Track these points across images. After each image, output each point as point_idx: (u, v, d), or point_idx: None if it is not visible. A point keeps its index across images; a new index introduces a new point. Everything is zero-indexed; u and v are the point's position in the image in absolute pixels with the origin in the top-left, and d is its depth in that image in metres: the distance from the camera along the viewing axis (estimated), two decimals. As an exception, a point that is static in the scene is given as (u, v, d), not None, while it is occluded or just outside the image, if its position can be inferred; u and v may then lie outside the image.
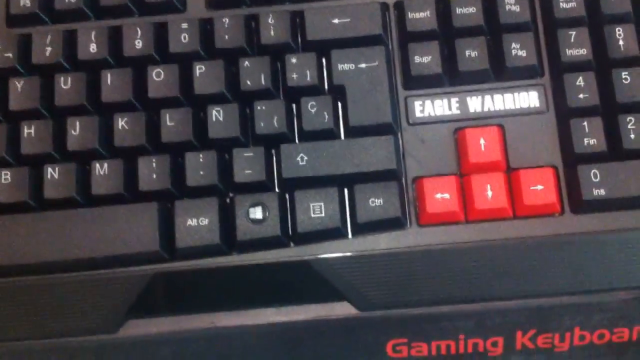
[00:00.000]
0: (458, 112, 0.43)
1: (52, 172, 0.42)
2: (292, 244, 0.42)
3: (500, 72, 0.43)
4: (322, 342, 0.43)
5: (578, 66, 0.42)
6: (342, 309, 0.42)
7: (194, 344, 0.43)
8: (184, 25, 0.44)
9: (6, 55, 0.45)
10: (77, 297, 0.42)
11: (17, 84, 0.44)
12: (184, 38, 0.44)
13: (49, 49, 0.45)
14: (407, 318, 0.42)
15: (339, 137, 0.43)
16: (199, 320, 0.43)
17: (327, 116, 0.42)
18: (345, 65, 0.43)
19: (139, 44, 0.44)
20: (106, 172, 0.42)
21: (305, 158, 0.42)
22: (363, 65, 0.43)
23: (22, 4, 0.45)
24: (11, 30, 0.46)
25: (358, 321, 0.42)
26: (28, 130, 0.43)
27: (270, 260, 0.41)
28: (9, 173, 0.42)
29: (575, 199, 0.41)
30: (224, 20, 0.44)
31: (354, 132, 0.43)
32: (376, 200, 0.41)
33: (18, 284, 0.42)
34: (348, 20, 0.44)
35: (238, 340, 0.43)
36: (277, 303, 0.43)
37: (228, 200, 0.42)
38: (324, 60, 0.44)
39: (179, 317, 0.43)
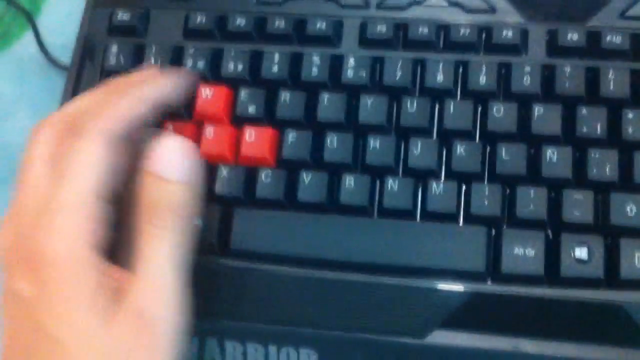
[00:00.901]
0: None
1: (391, 185, 0.46)
2: (609, 287, 0.44)
3: None
4: (615, 385, 0.45)
5: None
6: (643, 357, 0.44)
7: (492, 362, 0.46)
8: (527, 68, 0.48)
9: (360, 73, 0.49)
10: (397, 300, 0.46)
11: (368, 100, 0.48)
12: (526, 80, 0.47)
13: (399, 73, 0.49)
14: None
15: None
16: (503, 341, 0.46)
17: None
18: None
19: (482, 79, 0.48)
20: (441, 191, 0.46)
21: (635, 210, 0.44)
22: (701, 130, 0.45)
23: (378, 30, 0.50)
24: (365, 51, 0.50)
25: (658, 371, 0.44)
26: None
27: (588, 298, 0.44)
28: (352, 178, 0.47)
29: None
30: (565, 68, 0.47)
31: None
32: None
33: (343, 278, 0.46)
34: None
35: (535, 367, 0.46)
36: (579, 340, 0.45)
37: (552, 235, 0.45)
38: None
39: (484, 335, 0.46)
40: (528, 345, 0.45)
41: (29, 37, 0.63)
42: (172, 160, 0.40)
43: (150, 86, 0.45)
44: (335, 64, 0.50)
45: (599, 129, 0.46)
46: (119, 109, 0.42)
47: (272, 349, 0.49)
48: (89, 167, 0.39)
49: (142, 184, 0.40)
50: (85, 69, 0.55)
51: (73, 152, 0.40)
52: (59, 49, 0.63)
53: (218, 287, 0.48)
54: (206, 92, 0.50)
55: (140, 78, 0.46)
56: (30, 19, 0.62)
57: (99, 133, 0.40)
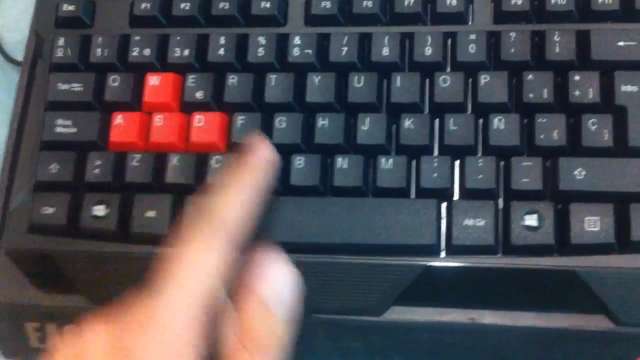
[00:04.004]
0: None
1: (342, 163, 0.46)
2: (561, 254, 0.43)
3: None
4: (574, 350, 0.45)
5: None
6: (599, 321, 0.44)
7: (451, 335, 0.46)
8: (472, 37, 0.47)
9: (306, 51, 0.49)
10: (351, 280, 0.45)
11: (315, 79, 0.48)
12: (472, 49, 0.47)
13: (345, 49, 0.48)
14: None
15: (617, 155, 0.44)
16: (460, 314, 0.45)
17: (607, 134, 0.44)
18: (629, 87, 0.45)
19: (428, 51, 0.47)
20: (391, 166, 0.45)
21: (583, 173, 0.43)
22: (647, 89, 0.44)
23: (322, 6, 0.49)
24: (311, 29, 0.49)
25: (615, 335, 0.44)
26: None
27: (540, 266, 0.43)
28: (302, 159, 0.46)
29: None
30: (510, 34, 0.47)
31: (632, 152, 0.44)
32: (651, 221, 0.42)
33: (297, 260, 0.46)
34: (634, 43, 0.45)
35: (493, 338, 0.45)
36: (536, 308, 0.45)
37: (502, 204, 0.44)
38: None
39: (440, 309, 0.46)
40: (485, 317, 0.45)
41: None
42: (283, 296, 0.37)
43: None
44: (282, 44, 0.49)
45: (546, 93, 0.45)
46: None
47: (235, 334, 0.48)
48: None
49: (246, 303, 0.37)
50: (38, 64, 0.54)
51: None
52: (16, 45, 0.63)
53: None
54: (153, 80, 0.50)
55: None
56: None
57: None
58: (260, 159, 0.41)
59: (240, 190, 0.39)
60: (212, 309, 0.35)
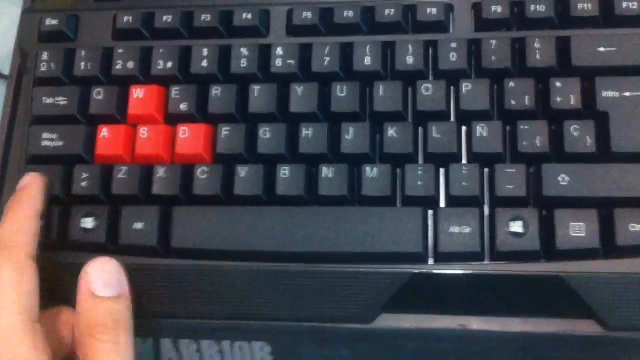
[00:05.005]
0: None
1: (327, 172, 0.46)
2: (547, 259, 0.44)
3: None
4: (563, 355, 0.45)
5: None
6: (587, 326, 0.44)
7: (440, 342, 0.46)
8: (453, 45, 0.47)
9: (289, 62, 0.49)
10: (339, 288, 0.46)
11: (298, 89, 0.48)
12: (453, 57, 0.47)
13: (327, 59, 0.48)
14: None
15: (600, 161, 0.44)
16: (449, 321, 0.46)
17: (589, 140, 0.44)
18: (610, 92, 0.45)
19: (410, 59, 0.47)
20: (375, 175, 0.46)
21: (567, 179, 0.44)
22: (628, 94, 0.45)
23: (304, 16, 0.49)
24: (293, 39, 0.50)
25: (603, 340, 0.44)
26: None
27: (526, 272, 0.44)
28: (287, 169, 0.47)
29: None
30: (491, 42, 0.47)
31: (615, 157, 0.44)
32: (636, 226, 0.42)
33: (286, 269, 0.46)
34: (614, 49, 0.46)
35: (482, 344, 0.46)
36: (524, 314, 0.45)
37: (487, 211, 0.45)
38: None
39: (429, 316, 0.46)
40: (474, 323, 0.45)
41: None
42: (106, 279, 0.43)
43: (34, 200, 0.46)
44: (264, 55, 0.50)
45: (528, 100, 0.45)
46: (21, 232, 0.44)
47: (226, 343, 0.49)
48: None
49: (80, 304, 0.42)
50: (24, 79, 0.54)
51: None
52: (3, 60, 0.63)
53: (165, 287, 0.48)
54: (138, 93, 0.50)
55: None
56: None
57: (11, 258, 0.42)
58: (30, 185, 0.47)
59: (17, 213, 0.45)
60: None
